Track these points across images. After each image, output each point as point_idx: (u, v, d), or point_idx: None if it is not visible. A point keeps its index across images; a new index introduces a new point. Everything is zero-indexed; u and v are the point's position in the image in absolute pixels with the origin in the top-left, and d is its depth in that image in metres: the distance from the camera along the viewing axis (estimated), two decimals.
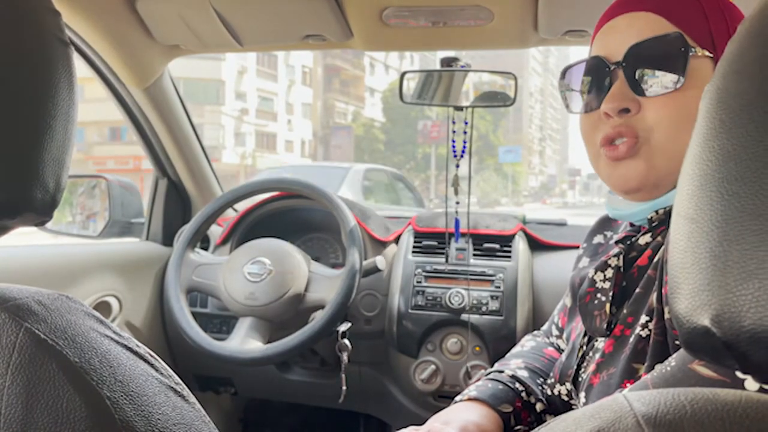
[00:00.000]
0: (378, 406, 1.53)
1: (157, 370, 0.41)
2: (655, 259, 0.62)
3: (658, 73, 0.61)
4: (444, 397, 1.35)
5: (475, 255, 1.41)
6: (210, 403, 1.71)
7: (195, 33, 1.25)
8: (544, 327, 0.99)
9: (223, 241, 1.56)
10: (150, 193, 1.63)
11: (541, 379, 0.83)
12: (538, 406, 0.79)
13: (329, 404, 1.54)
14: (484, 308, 1.31)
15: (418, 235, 1.47)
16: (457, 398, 0.80)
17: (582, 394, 0.66)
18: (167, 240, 1.59)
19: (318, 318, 1.24)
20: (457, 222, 1.35)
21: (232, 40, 1.26)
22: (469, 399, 0.78)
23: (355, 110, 36.88)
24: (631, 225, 0.71)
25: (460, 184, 1.28)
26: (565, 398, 0.72)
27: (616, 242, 0.69)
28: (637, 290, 0.63)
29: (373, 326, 1.41)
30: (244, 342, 1.24)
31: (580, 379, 0.69)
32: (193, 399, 0.43)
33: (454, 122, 1.26)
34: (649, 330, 0.59)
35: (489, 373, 0.85)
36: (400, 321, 1.35)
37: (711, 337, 0.26)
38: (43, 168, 0.40)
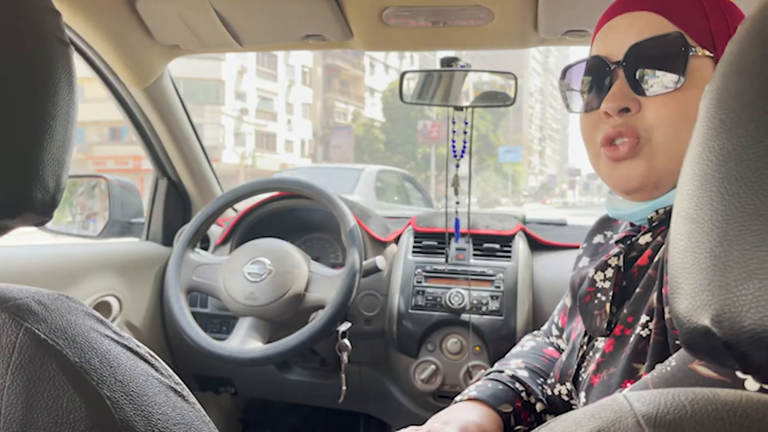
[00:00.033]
0: (378, 406, 1.53)
1: (157, 370, 0.41)
2: (656, 259, 0.62)
3: (658, 72, 0.61)
4: (444, 397, 1.35)
5: (475, 255, 1.41)
6: (210, 403, 1.71)
7: (195, 33, 1.25)
8: (544, 327, 0.99)
9: (223, 241, 1.56)
10: (150, 193, 1.63)
11: (541, 379, 0.83)
12: (538, 406, 0.79)
13: (329, 404, 1.54)
14: (484, 308, 1.31)
15: (418, 235, 1.47)
16: (457, 398, 0.80)
17: (582, 394, 0.66)
18: (167, 240, 1.59)
19: (318, 318, 1.24)
20: (457, 222, 1.35)
21: (232, 40, 1.27)
22: (469, 399, 0.78)
23: (355, 110, 36.89)
24: (631, 225, 0.72)
25: (460, 184, 1.28)
26: (566, 398, 0.72)
27: (617, 242, 0.69)
28: (638, 290, 0.63)
29: (373, 326, 1.41)
30: (244, 342, 1.24)
31: (580, 378, 0.69)
32: (193, 399, 0.43)
33: (454, 122, 1.26)
34: (650, 330, 0.59)
35: (489, 373, 0.85)
36: (400, 321, 1.35)
37: (711, 337, 0.26)
38: (43, 168, 0.40)
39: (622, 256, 0.67)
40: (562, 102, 0.74)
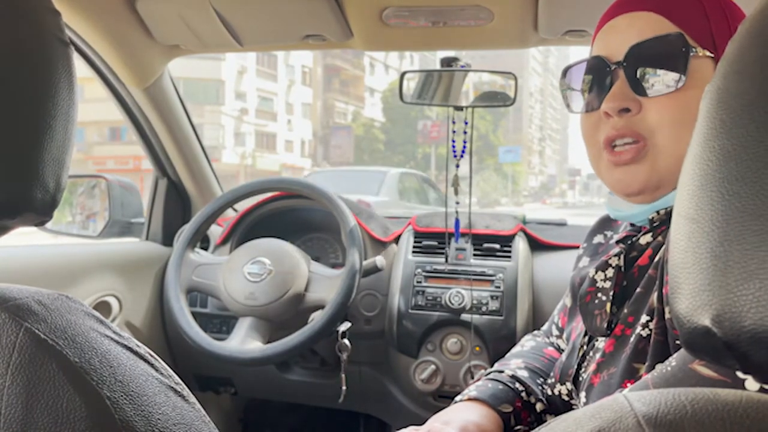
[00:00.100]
0: (378, 406, 1.53)
1: (157, 370, 0.41)
2: (656, 259, 0.62)
3: (659, 72, 0.61)
4: (444, 397, 1.35)
5: (475, 255, 1.41)
6: (210, 403, 1.71)
7: (195, 33, 1.25)
8: (544, 327, 0.99)
9: (223, 241, 1.56)
10: (150, 193, 1.63)
11: (542, 379, 0.83)
12: (538, 406, 0.79)
13: (329, 404, 1.54)
14: (484, 308, 1.31)
15: (418, 235, 1.47)
16: (457, 398, 0.80)
17: (582, 394, 0.66)
18: (167, 240, 1.59)
19: (318, 318, 1.23)
20: (457, 222, 1.35)
21: (232, 40, 1.26)
22: (469, 399, 0.78)
23: (354, 110, 36.89)
24: (632, 225, 0.71)
25: (460, 184, 1.28)
26: (566, 398, 0.72)
27: (617, 242, 0.69)
28: (638, 290, 0.63)
29: (373, 326, 1.41)
30: (244, 342, 1.24)
31: (580, 378, 0.69)
32: (193, 399, 0.43)
33: (454, 122, 1.26)
34: (650, 330, 0.59)
35: (489, 373, 0.85)
36: (400, 321, 1.35)
37: (712, 337, 0.26)
38: (43, 168, 0.40)
39: (622, 256, 0.67)
40: (562, 102, 0.74)
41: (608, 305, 0.65)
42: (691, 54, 0.60)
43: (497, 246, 1.41)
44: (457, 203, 1.32)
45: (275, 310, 1.26)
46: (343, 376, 1.34)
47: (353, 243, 1.28)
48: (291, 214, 1.60)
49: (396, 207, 7.23)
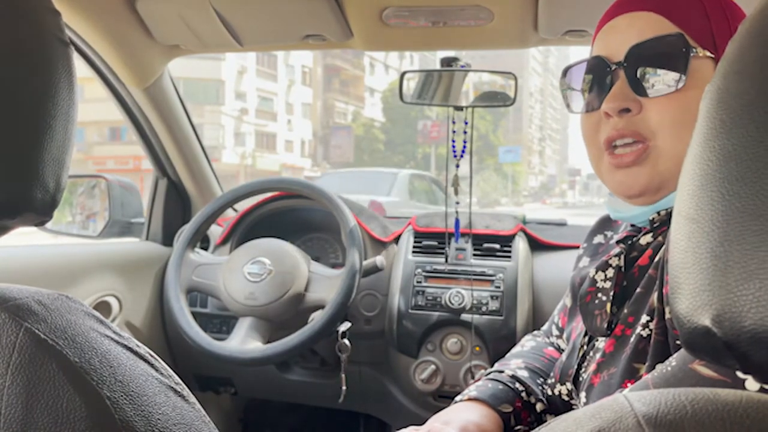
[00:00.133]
0: (378, 406, 1.53)
1: (157, 370, 0.41)
2: (656, 259, 0.62)
3: (659, 73, 0.61)
4: (444, 397, 1.35)
5: (475, 255, 1.41)
6: (210, 403, 1.71)
7: (195, 33, 1.25)
8: (544, 327, 0.99)
9: (223, 241, 1.56)
10: (150, 193, 1.63)
11: (542, 379, 0.83)
12: (539, 406, 0.79)
13: (329, 404, 1.54)
14: (484, 308, 1.31)
15: (418, 235, 1.47)
16: (457, 398, 0.80)
17: (582, 394, 0.66)
18: (167, 240, 1.59)
19: (318, 318, 1.24)
20: (457, 222, 1.35)
21: (232, 40, 1.26)
22: (469, 399, 0.78)
23: (354, 110, 36.88)
24: (632, 225, 0.71)
25: (460, 184, 1.28)
26: (566, 398, 0.72)
27: (618, 242, 0.69)
28: (638, 290, 0.63)
29: (373, 326, 1.41)
30: (244, 342, 1.24)
31: (580, 379, 0.69)
32: (193, 399, 0.43)
33: (454, 122, 1.26)
34: (650, 330, 0.59)
35: (489, 373, 0.85)
36: (400, 321, 1.35)
37: (712, 337, 0.26)
38: (43, 168, 0.40)
39: (622, 256, 0.67)
40: (562, 102, 0.74)
41: (608, 305, 0.65)
42: (692, 54, 0.60)
43: (497, 246, 1.41)
44: (457, 203, 1.32)
45: (275, 310, 1.26)
46: (343, 376, 1.34)
47: (353, 243, 1.28)
48: (291, 214, 1.60)
49: (406, 207, 7.49)
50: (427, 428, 0.72)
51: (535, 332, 1.01)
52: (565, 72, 0.72)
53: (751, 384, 0.35)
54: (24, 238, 1.04)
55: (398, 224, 1.55)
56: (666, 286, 0.57)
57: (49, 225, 1.16)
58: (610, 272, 0.66)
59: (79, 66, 0.94)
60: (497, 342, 1.28)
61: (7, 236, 0.44)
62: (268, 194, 1.53)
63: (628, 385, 0.58)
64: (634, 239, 0.67)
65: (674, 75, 0.60)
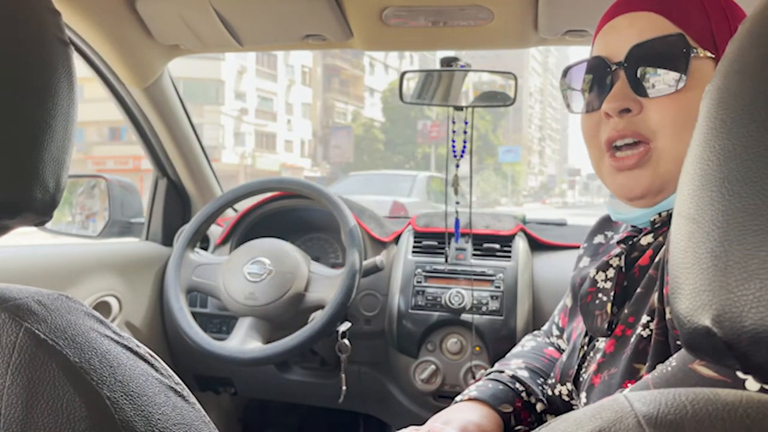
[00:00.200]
0: (378, 406, 1.53)
1: (157, 370, 0.41)
2: (657, 259, 0.62)
3: (659, 73, 0.61)
4: (444, 397, 1.35)
5: (474, 255, 1.41)
6: (210, 403, 1.71)
7: (195, 33, 1.25)
8: (545, 327, 0.99)
9: (223, 241, 1.56)
10: (150, 193, 1.63)
11: (542, 379, 0.83)
12: (539, 406, 0.79)
13: (329, 404, 1.54)
14: (484, 308, 1.31)
15: (418, 235, 1.47)
16: (458, 398, 0.80)
17: (583, 395, 0.66)
18: (167, 240, 1.59)
19: (318, 318, 1.23)
20: (457, 222, 1.35)
21: (232, 40, 1.26)
22: (470, 399, 0.78)
23: (354, 110, 36.87)
24: (633, 226, 0.71)
25: (460, 184, 1.28)
26: (566, 398, 0.72)
27: (618, 242, 0.69)
28: (639, 290, 0.63)
29: (373, 326, 1.41)
30: (244, 342, 1.24)
31: (581, 379, 0.69)
32: (193, 399, 0.43)
33: (454, 122, 1.26)
34: (651, 330, 0.59)
35: (489, 373, 0.85)
36: (400, 321, 1.35)
37: (712, 337, 0.26)
38: (43, 168, 0.40)
39: (623, 257, 0.66)
40: (562, 102, 0.74)
41: (609, 305, 0.65)
42: (692, 54, 0.60)
43: (497, 246, 1.41)
44: (457, 203, 1.32)
45: (275, 310, 1.26)
46: (343, 376, 1.34)
47: (353, 243, 1.28)
48: (291, 214, 1.60)
49: (425, 207, 7.74)
50: (427, 428, 0.72)
51: (536, 332, 1.01)
52: (566, 72, 0.72)
53: (751, 384, 0.35)
54: (24, 238, 1.04)
55: (398, 224, 1.55)
56: (666, 286, 0.57)
57: (49, 225, 1.15)
58: (611, 272, 0.66)
59: (79, 66, 0.94)
60: (497, 342, 1.28)
61: (7, 236, 0.44)
62: (268, 194, 1.53)
63: (629, 385, 0.58)
64: (635, 239, 0.67)
65: (674, 75, 0.60)
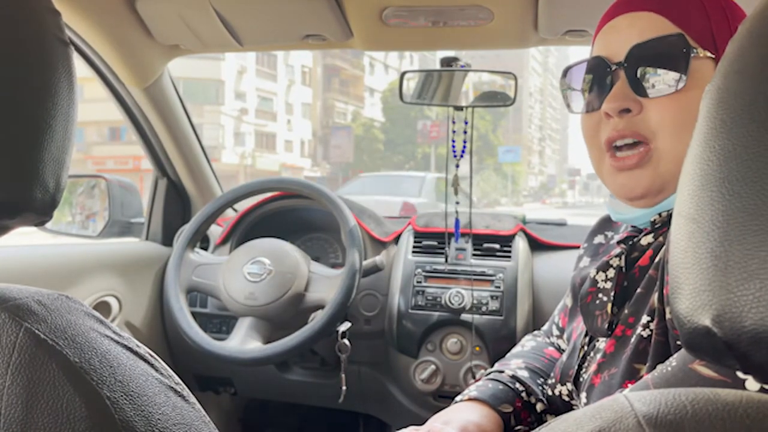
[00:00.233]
0: (378, 406, 1.53)
1: (157, 370, 0.41)
2: (657, 260, 0.62)
3: (659, 73, 0.61)
4: (444, 397, 1.35)
5: (474, 255, 1.41)
6: (210, 403, 1.71)
7: (195, 33, 1.25)
8: (545, 327, 0.99)
9: (223, 241, 1.56)
10: (150, 193, 1.63)
11: (542, 379, 0.83)
12: (539, 406, 0.79)
13: (329, 404, 1.54)
14: (484, 308, 1.31)
15: (418, 235, 1.47)
16: (458, 398, 0.80)
17: (583, 395, 0.66)
18: (167, 240, 1.59)
19: (318, 318, 1.23)
20: (457, 222, 1.35)
21: (232, 40, 1.26)
22: (470, 399, 0.78)
23: (354, 110, 36.86)
24: (633, 226, 0.71)
25: (460, 184, 1.28)
26: (566, 398, 0.72)
27: (618, 242, 0.69)
28: (639, 290, 0.63)
29: (373, 326, 1.41)
30: (244, 342, 1.24)
31: (581, 379, 0.69)
32: (193, 399, 0.43)
33: (454, 122, 1.26)
34: (651, 330, 0.59)
35: (489, 373, 0.85)
36: (400, 321, 1.35)
37: (712, 337, 0.26)
38: (43, 168, 0.40)
39: (623, 257, 0.66)
40: (562, 102, 0.74)
41: (609, 306, 0.65)
42: (692, 54, 0.60)
43: (497, 246, 1.41)
44: (457, 203, 1.32)
45: (275, 310, 1.26)
46: (343, 376, 1.34)
47: (353, 243, 1.28)
48: (291, 214, 1.60)
49: (434, 207, 7.88)
50: (427, 428, 0.72)
51: (536, 332, 1.01)
52: (566, 72, 0.72)
53: (751, 384, 0.35)
54: (24, 238, 1.04)
55: (398, 224, 1.55)
56: (666, 286, 0.57)
57: (49, 225, 1.15)
58: (611, 273, 0.66)
59: (79, 66, 0.94)
60: (497, 342, 1.28)
61: (7, 236, 0.44)
62: (268, 194, 1.53)
63: (629, 385, 0.58)
64: (635, 240, 0.67)
65: (674, 75, 0.60)
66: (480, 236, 1.44)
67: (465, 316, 1.31)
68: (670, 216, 0.64)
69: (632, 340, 0.61)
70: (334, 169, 31.83)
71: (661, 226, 0.65)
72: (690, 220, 0.28)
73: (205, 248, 1.56)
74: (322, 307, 1.27)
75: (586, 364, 0.69)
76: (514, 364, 0.86)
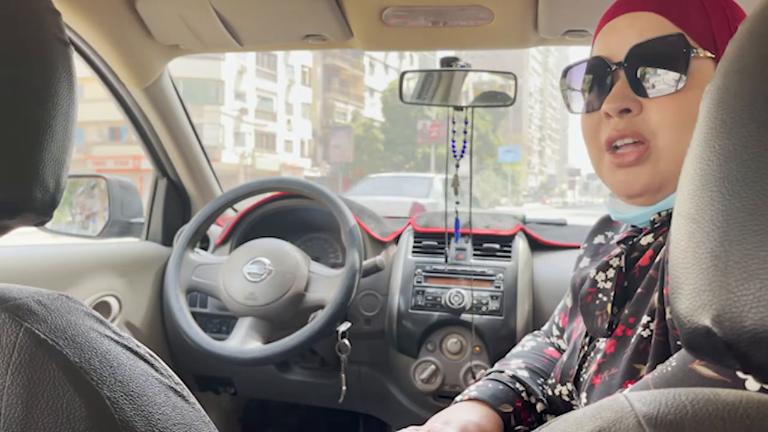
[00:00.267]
0: (378, 406, 1.53)
1: (157, 370, 0.41)
2: (657, 260, 0.62)
3: (659, 73, 0.61)
4: (444, 397, 1.35)
5: (474, 255, 1.41)
6: (210, 403, 1.71)
7: (195, 33, 1.25)
8: (545, 327, 0.99)
9: (223, 241, 1.56)
10: (150, 193, 1.63)
11: (542, 379, 0.83)
12: (539, 406, 0.79)
13: (329, 404, 1.54)
14: (484, 308, 1.31)
15: (418, 235, 1.47)
16: (458, 398, 0.80)
17: (583, 395, 0.66)
18: (167, 240, 1.59)
19: (318, 318, 1.23)
20: (457, 222, 1.35)
21: (232, 40, 1.26)
22: (470, 399, 0.78)
23: (354, 110, 36.85)
24: (633, 226, 0.71)
25: (460, 184, 1.28)
26: (566, 398, 0.72)
27: (618, 242, 0.69)
28: (639, 290, 0.63)
29: (373, 326, 1.41)
30: (244, 342, 1.24)
31: (581, 379, 0.69)
32: (193, 399, 0.43)
33: (454, 122, 1.26)
34: (651, 330, 0.59)
35: (489, 373, 0.85)
36: (400, 321, 1.35)
37: (712, 337, 0.26)
38: (43, 168, 0.40)
39: (623, 257, 0.66)
40: (562, 102, 0.74)
41: (609, 306, 0.65)
42: (692, 54, 0.60)
43: (497, 246, 1.41)
44: (457, 203, 1.32)
45: (275, 310, 1.26)
46: (343, 376, 1.34)
47: (353, 243, 1.28)
48: (291, 214, 1.60)
49: (443, 208, 8.10)
50: (427, 428, 0.72)
51: (536, 332, 1.01)
52: (566, 72, 0.72)
53: (751, 384, 0.35)
54: (24, 238, 1.04)
55: (398, 224, 1.55)
56: (666, 286, 0.57)
57: (49, 225, 1.16)
58: (611, 273, 0.66)
59: (79, 66, 0.94)
60: (497, 342, 1.28)
61: (7, 236, 0.44)
62: (268, 194, 1.54)
63: (629, 385, 0.58)
64: (635, 240, 0.67)
65: (674, 75, 0.60)
66: (480, 236, 1.44)
67: (465, 316, 1.31)
68: (669, 216, 0.64)
69: (632, 340, 0.61)
70: (334, 169, 31.83)
71: (661, 225, 0.65)
72: (690, 220, 0.28)
73: (205, 248, 1.56)
74: (322, 307, 1.27)
75: (586, 364, 0.69)
76: (514, 364, 0.86)
